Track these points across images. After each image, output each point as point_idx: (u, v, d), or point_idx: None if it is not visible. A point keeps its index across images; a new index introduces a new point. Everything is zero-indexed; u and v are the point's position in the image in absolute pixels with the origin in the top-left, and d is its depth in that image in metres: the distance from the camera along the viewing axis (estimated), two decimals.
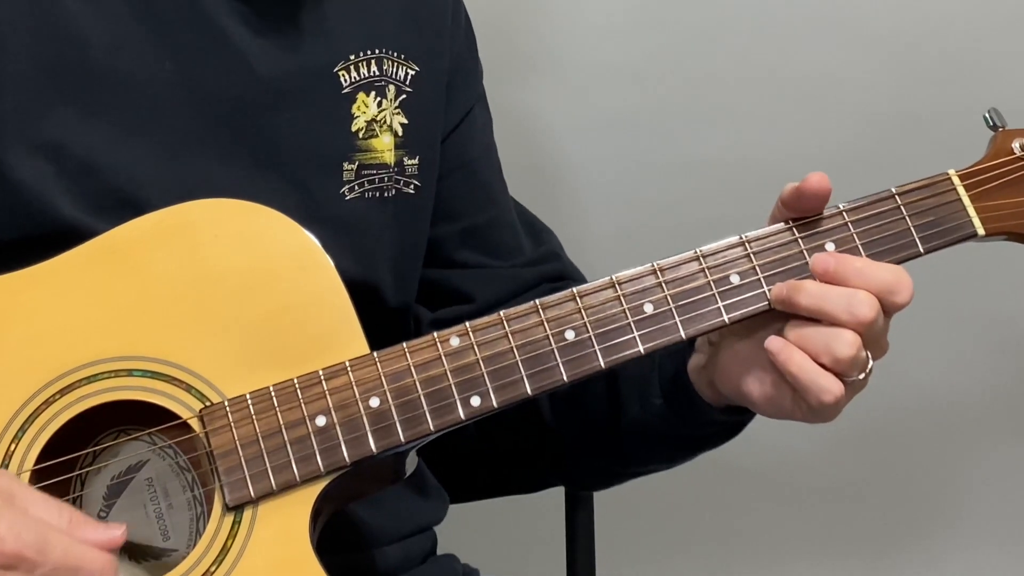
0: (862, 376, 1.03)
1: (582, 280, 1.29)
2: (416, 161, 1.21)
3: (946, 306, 1.87)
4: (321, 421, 1.02)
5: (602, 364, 1.04)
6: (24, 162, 1.06)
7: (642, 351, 1.05)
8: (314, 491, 1.02)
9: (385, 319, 1.13)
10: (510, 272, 1.29)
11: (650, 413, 1.16)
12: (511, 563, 1.63)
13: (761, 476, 1.95)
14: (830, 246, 1.06)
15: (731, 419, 1.14)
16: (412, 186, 1.21)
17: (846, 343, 1.01)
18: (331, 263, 1.05)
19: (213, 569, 1.00)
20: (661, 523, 1.97)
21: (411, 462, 1.09)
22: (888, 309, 1.03)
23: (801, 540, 2.02)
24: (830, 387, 1.02)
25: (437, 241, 1.26)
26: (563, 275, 1.30)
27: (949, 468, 2.01)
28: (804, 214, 1.07)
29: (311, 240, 1.06)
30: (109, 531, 0.95)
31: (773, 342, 1.03)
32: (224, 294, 1.04)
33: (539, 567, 1.57)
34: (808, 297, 1.02)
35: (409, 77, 1.21)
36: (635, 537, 1.92)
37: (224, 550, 1.00)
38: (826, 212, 1.07)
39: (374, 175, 1.19)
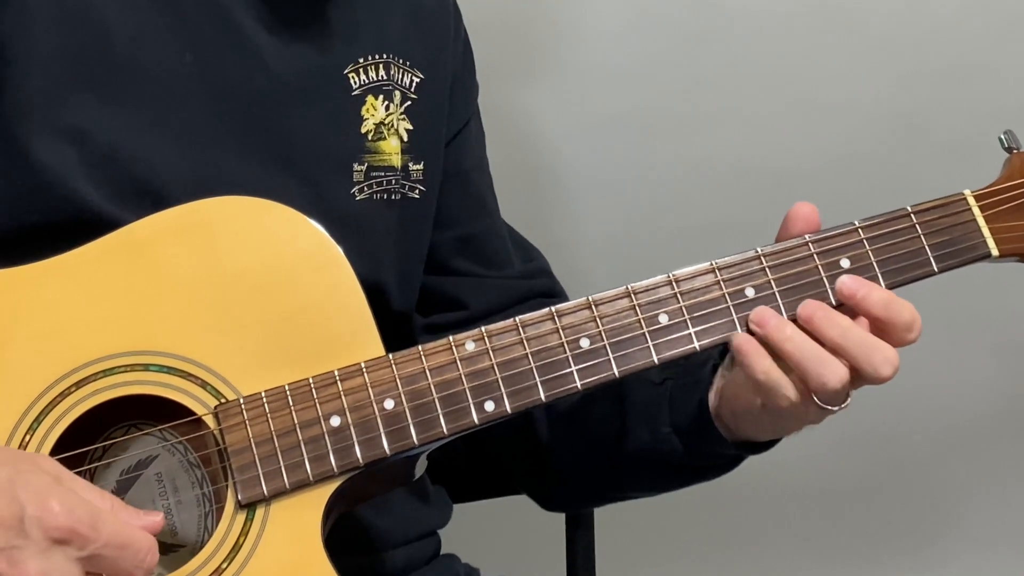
0: (838, 409, 1.04)
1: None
2: (421, 167, 1.22)
3: (948, 307, 1.88)
4: (335, 421, 1.03)
5: (616, 373, 1.05)
6: (48, 146, 1.07)
7: (656, 361, 1.05)
8: (327, 491, 1.02)
9: (389, 323, 1.14)
10: (503, 283, 1.30)
11: (658, 441, 1.17)
12: (511, 563, 1.63)
13: (762, 479, 1.95)
14: (845, 262, 1.06)
15: (738, 453, 1.15)
16: (417, 191, 1.22)
17: (837, 378, 1.02)
18: (348, 263, 1.06)
19: (224, 566, 1.00)
20: (661, 523, 1.97)
21: (421, 465, 1.10)
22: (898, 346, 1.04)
23: (802, 543, 2.03)
24: (805, 416, 1.05)
25: (432, 247, 1.27)
26: (553, 293, 1.31)
27: (950, 470, 2.02)
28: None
29: (328, 240, 1.06)
30: (148, 516, 0.95)
31: (739, 340, 1.04)
32: (241, 292, 1.04)
33: (539, 567, 1.57)
34: (841, 335, 1.03)
35: (414, 84, 1.22)
36: (635, 537, 1.93)
37: (236, 547, 1.01)
38: (842, 228, 1.07)
39: (382, 177, 1.19)
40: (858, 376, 1.03)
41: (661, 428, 1.16)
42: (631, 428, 1.18)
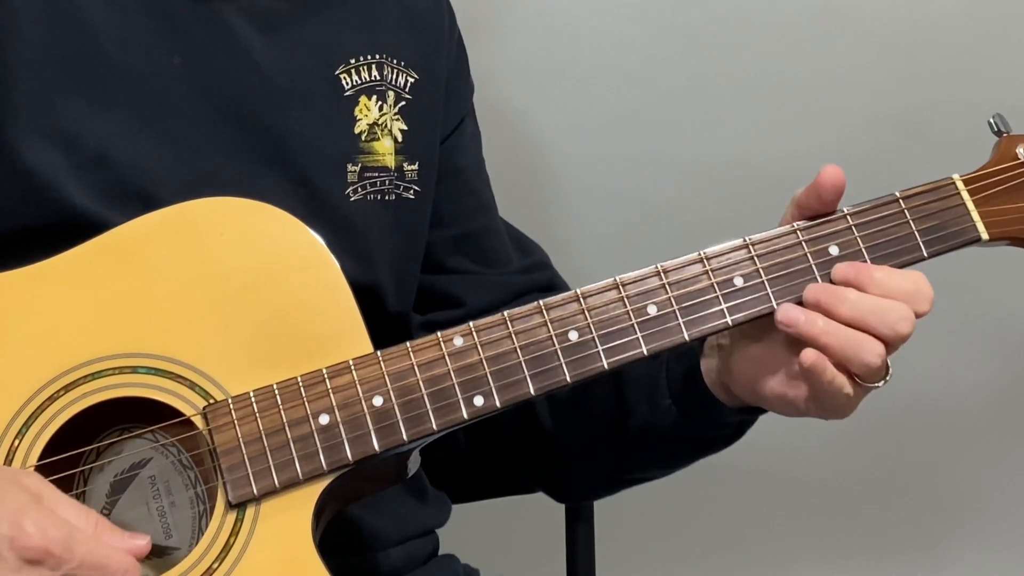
0: (881, 384, 1.04)
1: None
2: (416, 167, 1.22)
3: (948, 306, 1.87)
4: (324, 419, 1.02)
5: (605, 365, 1.05)
6: (37, 151, 1.07)
7: (645, 352, 1.05)
8: (317, 489, 1.02)
9: (384, 324, 1.14)
10: (501, 279, 1.29)
11: (659, 414, 1.16)
12: (511, 563, 1.63)
13: (762, 477, 1.95)
14: (834, 249, 1.06)
15: (742, 419, 1.14)
16: (412, 191, 1.22)
17: (875, 355, 1.02)
18: (335, 262, 1.06)
19: (215, 566, 1.00)
20: (661, 523, 1.97)
21: (413, 462, 1.09)
22: None
23: (803, 542, 2.02)
24: (851, 401, 1.04)
25: (429, 246, 1.27)
26: (553, 285, 1.31)
27: (952, 468, 2.01)
28: (823, 209, 1.06)
29: (316, 239, 1.06)
30: (134, 540, 0.95)
31: (808, 355, 1.03)
32: (229, 292, 1.04)
33: (539, 567, 1.57)
34: (851, 308, 1.02)
35: (408, 84, 1.22)
36: (635, 537, 1.93)
37: (226, 547, 1.00)
38: (830, 215, 1.07)
39: (376, 178, 1.19)
40: (883, 342, 1.02)
41: (661, 401, 1.16)
42: (631, 405, 1.18)
